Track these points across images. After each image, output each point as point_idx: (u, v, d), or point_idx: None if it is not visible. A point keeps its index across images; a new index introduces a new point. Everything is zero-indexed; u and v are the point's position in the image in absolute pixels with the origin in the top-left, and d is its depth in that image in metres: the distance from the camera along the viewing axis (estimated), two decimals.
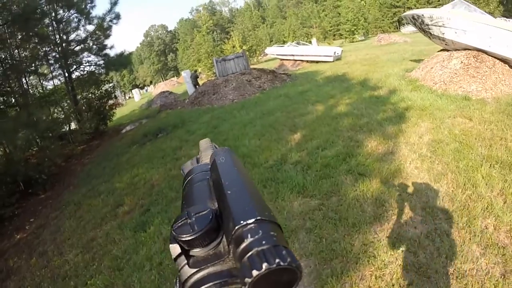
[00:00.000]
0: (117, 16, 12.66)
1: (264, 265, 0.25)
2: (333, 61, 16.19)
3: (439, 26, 6.71)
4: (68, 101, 11.55)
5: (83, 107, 12.10)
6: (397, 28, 51.15)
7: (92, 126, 12.16)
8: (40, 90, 10.74)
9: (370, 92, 7.28)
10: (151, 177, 5.28)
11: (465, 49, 6.58)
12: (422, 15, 7.05)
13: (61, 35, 11.16)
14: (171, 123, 9.67)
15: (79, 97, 12.53)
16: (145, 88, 59.24)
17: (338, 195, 3.21)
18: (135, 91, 38.39)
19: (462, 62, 6.35)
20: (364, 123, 5.13)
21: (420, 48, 14.69)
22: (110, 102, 13.75)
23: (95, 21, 12.16)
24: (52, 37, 10.91)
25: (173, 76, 60.90)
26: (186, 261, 0.35)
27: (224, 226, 0.34)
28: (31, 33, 9.62)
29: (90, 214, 4.53)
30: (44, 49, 11.05)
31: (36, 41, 10.39)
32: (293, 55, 18.65)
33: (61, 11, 11.48)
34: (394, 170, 3.51)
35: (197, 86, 15.72)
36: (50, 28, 10.96)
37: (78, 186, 6.47)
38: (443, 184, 3.05)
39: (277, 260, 0.26)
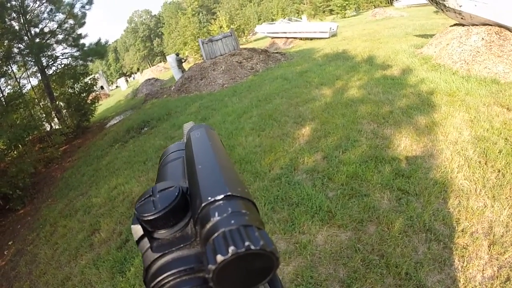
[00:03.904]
0: (89, 1, 11.42)
1: (231, 249, 0.21)
2: (329, 38, 15.19)
3: None
4: (42, 101, 10.51)
5: (61, 105, 11.08)
6: (389, 3, 50.01)
7: (74, 124, 11.30)
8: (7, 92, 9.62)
9: (381, 71, 6.39)
10: (131, 190, 4.41)
11: (484, 24, 5.72)
12: None
13: (29, 27, 9.95)
14: (156, 115, 8.85)
15: (58, 93, 11.47)
16: (132, 75, 57.33)
17: (377, 223, 2.36)
18: (121, 80, 37.05)
19: (483, 39, 5.49)
20: (386, 113, 4.24)
21: (420, 22, 13.69)
22: (92, 95, 12.65)
23: (65, 8, 10.88)
24: (21, 32, 9.73)
25: (160, 62, 59.05)
26: (149, 245, 0.31)
27: (192, 204, 0.30)
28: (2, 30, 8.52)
29: (65, 241, 4.02)
30: (17, 45, 9.91)
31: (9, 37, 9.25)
32: (285, 33, 17.47)
33: (28, 1, 10.26)
34: (440, 181, 2.67)
35: (183, 71, 14.58)
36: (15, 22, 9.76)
37: (55, 199, 5.93)
38: (504, 204, 2.24)
39: (246, 243, 0.22)
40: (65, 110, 11.34)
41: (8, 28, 8.88)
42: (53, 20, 10.89)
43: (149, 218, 0.30)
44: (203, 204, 0.26)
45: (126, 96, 20.17)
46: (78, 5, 11.47)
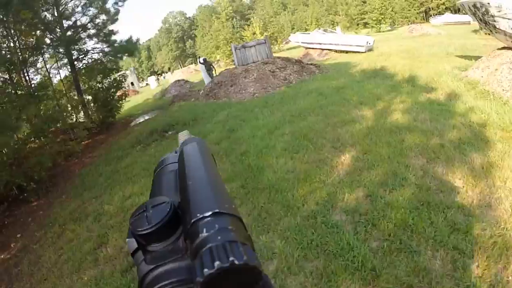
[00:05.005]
0: None
1: (216, 264, 0.23)
2: (365, 52, 14.59)
3: (509, 18, 5.49)
4: (69, 93, 10.49)
5: (88, 98, 11.04)
6: (424, 19, 48.98)
7: (99, 119, 11.27)
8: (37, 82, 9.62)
9: (425, 94, 5.82)
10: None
11: None
12: (488, 3, 5.73)
13: (62, 19, 9.95)
14: (182, 119, 8.61)
15: (86, 87, 11.47)
16: (163, 75, 58.27)
17: None
18: (151, 79, 37.54)
19: None
20: (437, 146, 3.68)
21: (460, 42, 12.96)
22: (119, 92, 12.59)
23: (98, 3, 10.88)
24: (53, 24, 9.74)
25: (192, 63, 59.84)
26: (143, 257, 0.32)
27: (183, 218, 0.32)
28: (36, 20, 8.52)
29: (71, 248, 3.82)
30: (49, 36, 9.94)
31: (42, 28, 9.27)
32: (320, 44, 16.94)
33: None
34: (500, 241, 2.17)
35: (211, 76, 14.06)
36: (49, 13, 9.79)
37: (69, 197, 5.80)
38: None
39: (231, 259, 0.23)
40: (91, 105, 11.29)
41: (42, 19, 8.86)
42: (85, 15, 10.90)
43: (143, 232, 0.31)
44: (192, 220, 0.27)
45: (154, 95, 20.19)
46: (111, 1, 11.47)
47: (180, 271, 0.30)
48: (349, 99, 6.20)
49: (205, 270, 0.23)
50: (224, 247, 0.24)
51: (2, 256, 4.40)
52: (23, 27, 8.12)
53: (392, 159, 3.51)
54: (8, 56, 7.81)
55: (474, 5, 6.19)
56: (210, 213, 0.27)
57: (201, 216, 0.27)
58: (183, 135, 0.62)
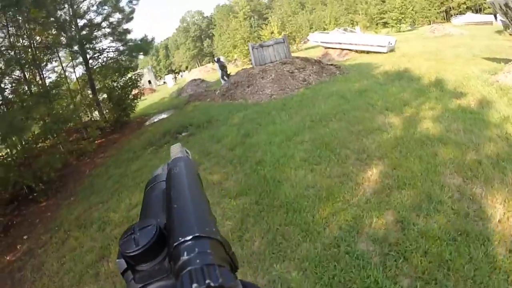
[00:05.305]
0: None
1: (194, 286, 0.24)
2: (386, 52, 14.06)
3: None
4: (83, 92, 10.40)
5: (103, 97, 10.94)
6: (445, 19, 47.51)
7: (114, 117, 11.16)
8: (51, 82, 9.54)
9: (455, 100, 5.34)
10: None
11: None
12: None
13: (76, 18, 9.85)
14: (196, 120, 8.33)
15: (101, 85, 11.36)
16: (180, 73, 58.52)
17: None
18: (169, 77, 37.66)
19: None
20: (473, 162, 3.23)
21: (485, 43, 12.37)
22: (135, 91, 12.45)
23: (111, 2, 10.72)
24: (68, 23, 9.65)
25: (209, 62, 59.90)
26: (132, 276, 0.34)
27: (167, 241, 0.33)
28: (52, 19, 8.43)
29: (73, 258, 3.73)
30: (64, 34, 9.86)
31: (56, 26, 9.18)
32: (340, 43, 16.41)
33: None
34: None
35: (225, 78, 13.62)
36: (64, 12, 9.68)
37: (77, 199, 5.70)
38: None
39: (207, 281, 0.24)
40: (106, 104, 11.19)
41: (57, 18, 8.75)
42: (100, 14, 10.76)
43: (131, 254, 0.32)
44: (174, 244, 0.29)
45: (170, 94, 20.08)
46: (125, 0, 11.30)
47: None
48: (373, 104, 5.75)
49: None
50: (202, 270, 0.25)
51: (8, 258, 4.36)
52: (35, 25, 8.00)
53: (425, 177, 3.09)
54: (23, 55, 7.73)
55: (506, 4, 5.71)
56: (190, 237, 0.28)
57: (182, 240, 0.28)
58: (175, 148, 0.61)
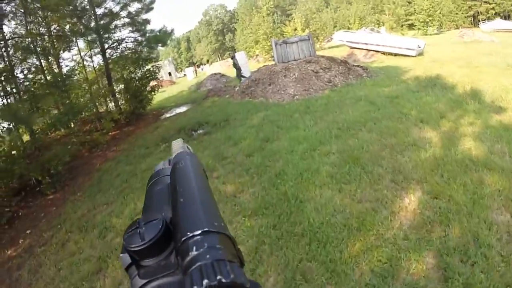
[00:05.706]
0: None
1: (205, 282, 0.23)
2: (415, 56, 13.41)
3: None
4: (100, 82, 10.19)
5: (119, 88, 10.71)
6: (472, 23, 45.59)
7: (130, 109, 10.99)
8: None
9: (495, 116, 4.74)
10: None
11: None
12: None
13: (95, 7, 9.60)
14: (213, 118, 7.99)
15: (118, 76, 11.14)
16: (201, 66, 58.46)
17: None
18: (189, 70, 37.54)
19: None
20: None
21: None
22: (153, 83, 12.18)
23: None
24: (87, 12, 9.42)
25: (230, 57, 59.61)
26: (136, 272, 0.32)
27: (174, 235, 0.32)
28: (70, 7, 8.20)
29: (70, 264, 3.58)
30: (83, 23, 9.66)
31: (77, 13, 8.97)
32: (366, 44, 15.74)
33: None
34: None
35: (237, 76, 13.02)
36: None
37: (83, 195, 5.55)
38: None
39: (218, 277, 0.24)
40: (122, 95, 10.96)
41: (75, 6, 8.50)
42: (119, 3, 10.45)
43: (136, 249, 0.31)
44: (183, 239, 0.28)
45: (189, 87, 19.81)
46: None
47: (172, 286, 0.30)
48: (406, 114, 5.20)
49: (194, 287, 0.23)
50: (212, 265, 0.24)
51: (9, 252, 4.32)
52: (53, 14, 7.76)
53: (471, 212, 2.58)
54: (39, 42, 7.53)
55: None
56: (199, 231, 0.28)
57: (191, 234, 0.28)
58: (176, 144, 0.60)
